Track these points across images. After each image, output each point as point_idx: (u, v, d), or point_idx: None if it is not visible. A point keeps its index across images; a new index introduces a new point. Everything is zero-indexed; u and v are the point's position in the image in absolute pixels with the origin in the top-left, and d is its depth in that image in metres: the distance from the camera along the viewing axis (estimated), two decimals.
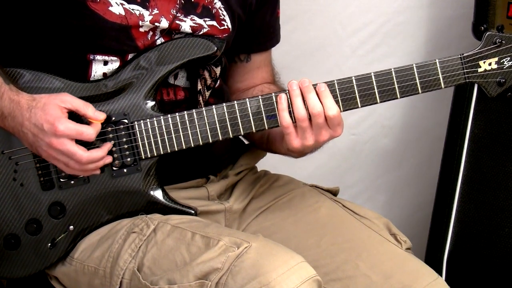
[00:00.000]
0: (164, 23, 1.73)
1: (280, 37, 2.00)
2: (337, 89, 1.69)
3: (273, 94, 1.70)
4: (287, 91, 1.69)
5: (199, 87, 1.78)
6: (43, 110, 1.61)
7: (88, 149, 1.64)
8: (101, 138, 1.68)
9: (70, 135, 1.61)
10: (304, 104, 1.67)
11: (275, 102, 1.70)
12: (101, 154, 1.65)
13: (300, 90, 1.67)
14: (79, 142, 1.63)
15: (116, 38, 1.70)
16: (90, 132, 1.62)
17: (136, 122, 1.70)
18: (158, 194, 1.72)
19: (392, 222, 1.85)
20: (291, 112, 1.68)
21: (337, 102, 1.68)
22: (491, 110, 2.29)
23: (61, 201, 1.71)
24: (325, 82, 1.69)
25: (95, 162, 1.64)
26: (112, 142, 1.68)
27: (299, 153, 1.76)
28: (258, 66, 1.97)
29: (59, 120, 1.60)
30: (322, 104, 1.66)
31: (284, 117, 1.68)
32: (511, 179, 2.29)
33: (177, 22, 1.75)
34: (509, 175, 2.29)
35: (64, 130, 1.60)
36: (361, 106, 1.70)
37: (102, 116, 1.65)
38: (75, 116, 1.64)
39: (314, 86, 1.68)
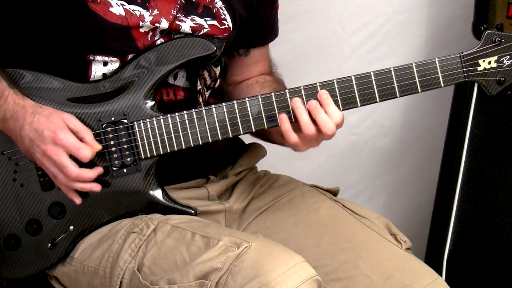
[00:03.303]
0: (164, 24, 1.73)
1: (279, 31, 2.01)
2: (336, 89, 1.69)
3: (272, 93, 1.70)
4: (286, 91, 1.69)
5: (199, 87, 1.78)
6: (47, 117, 1.62)
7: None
8: (101, 138, 1.68)
9: (68, 147, 1.61)
10: (311, 118, 1.67)
11: (274, 103, 1.69)
12: (91, 175, 1.64)
13: (307, 109, 1.67)
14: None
15: (116, 38, 1.70)
16: (86, 151, 1.62)
17: (135, 122, 1.70)
18: (158, 194, 1.72)
19: (392, 222, 1.85)
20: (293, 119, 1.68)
21: (336, 101, 1.68)
22: (491, 110, 2.29)
23: (61, 202, 1.71)
24: (324, 82, 1.69)
25: (83, 182, 1.64)
26: (102, 169, 1.67)
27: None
28: (256, 60, 1.97)
29: (61, 129, 1.61)
30: (327, 114, 1.66)
31: (291, 137, 1.68)
32: (511, 179, 2.29)
33: (177, 22, 1.75)
34: (509, 175, 2.29)
35: (64, 139, 1.60)
36: (361, 105, 1.70)
37: (98, 146, 1.65)
38: None
39: (315, 91, 1.68)
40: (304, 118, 1.66)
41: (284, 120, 1.68)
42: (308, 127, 1.67)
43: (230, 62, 1.95)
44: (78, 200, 1.67)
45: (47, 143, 1.61)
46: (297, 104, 1.67)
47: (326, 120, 1.66)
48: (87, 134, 1.64)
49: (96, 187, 1.66)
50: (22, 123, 1.63)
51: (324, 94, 1.67)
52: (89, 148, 1.62)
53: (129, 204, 1.72)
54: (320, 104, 1.67)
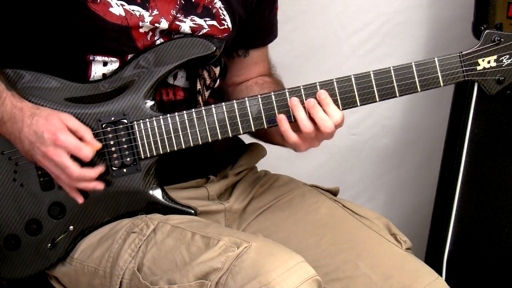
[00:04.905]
0: (164, 24, 1.73)
1: (278, 32, 2.01)
2: (336, 88, 1.69)
3: (272, 93, 1.70)
4: (285, 91, 1.69)
5: (198, 87, 1.78)
6: (46, 119, 1.62)
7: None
8: (101, 138, 1.68)
9: (69, 147, 1.61)
10: (308, 115, 1.67)
11: (274, 103, 1.69)
12: (92, 174, 1.64)
13: (305, 108, 1.67)
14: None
15: (116, 39, 1.70)
16: (88, 151, 1.62)
17: (135, 122, 1.70)
18: (157, 194, 1.72)
19: (392, 222, 1.85)
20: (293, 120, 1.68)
21: (336, 101, 1.68)
22: (491, 109, 2.29)
23: (61, 202, 1.71)
24: (324, 81, 1.69)
25: (85, 181, 1.64)
26: (103, 168, 1.67)
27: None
28: (256, 61, 1.97)
29: (60, 131, 1.61)
30: (327, 114, 1.66)
31: (290, 137, 1.68)
32: (511, 179, 2.29)
33: (177, 22, 1.75)
34: (509, 175, 2.29)
35: (64, 140, 1.60)
36: (360, 105, 1.70)
37: (98, 144, 1.65)
38: None
39: (315, 91, 1.67)
40: (301, 115, 1.67)
41: (283, 121, 1.68)
42: (305, 124, 1.67)
43: (229, 63, 1.95)
44: (80, 200, 1.67)
45: (48, 145, 1.61)
46: (294, 102, 1.68)
47: (324, 118, 1.66)
48: (87, 133, 1.64)
49: (99, 186, 1.66)
50: (21, 126, 1.63)
51: (323, 94, 1.67)
52: (89, 147, 1.63)
53: (129, 204, 1.72)
54: (320, 104, 1.67)
